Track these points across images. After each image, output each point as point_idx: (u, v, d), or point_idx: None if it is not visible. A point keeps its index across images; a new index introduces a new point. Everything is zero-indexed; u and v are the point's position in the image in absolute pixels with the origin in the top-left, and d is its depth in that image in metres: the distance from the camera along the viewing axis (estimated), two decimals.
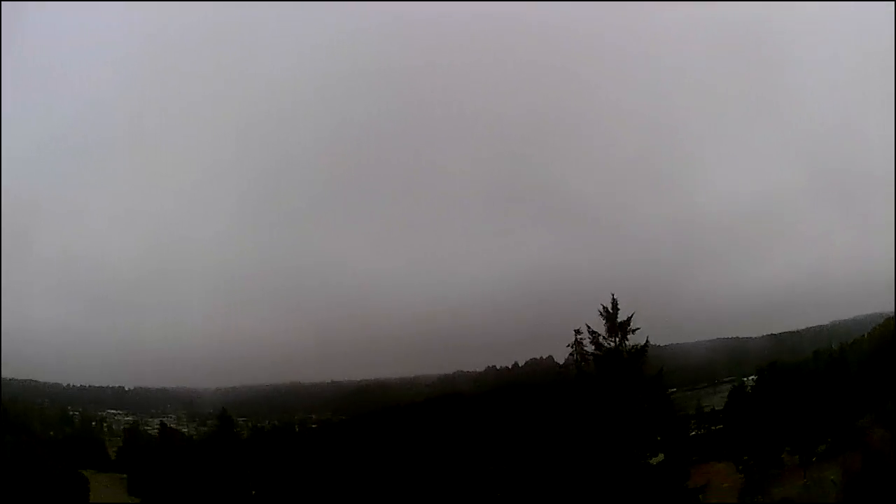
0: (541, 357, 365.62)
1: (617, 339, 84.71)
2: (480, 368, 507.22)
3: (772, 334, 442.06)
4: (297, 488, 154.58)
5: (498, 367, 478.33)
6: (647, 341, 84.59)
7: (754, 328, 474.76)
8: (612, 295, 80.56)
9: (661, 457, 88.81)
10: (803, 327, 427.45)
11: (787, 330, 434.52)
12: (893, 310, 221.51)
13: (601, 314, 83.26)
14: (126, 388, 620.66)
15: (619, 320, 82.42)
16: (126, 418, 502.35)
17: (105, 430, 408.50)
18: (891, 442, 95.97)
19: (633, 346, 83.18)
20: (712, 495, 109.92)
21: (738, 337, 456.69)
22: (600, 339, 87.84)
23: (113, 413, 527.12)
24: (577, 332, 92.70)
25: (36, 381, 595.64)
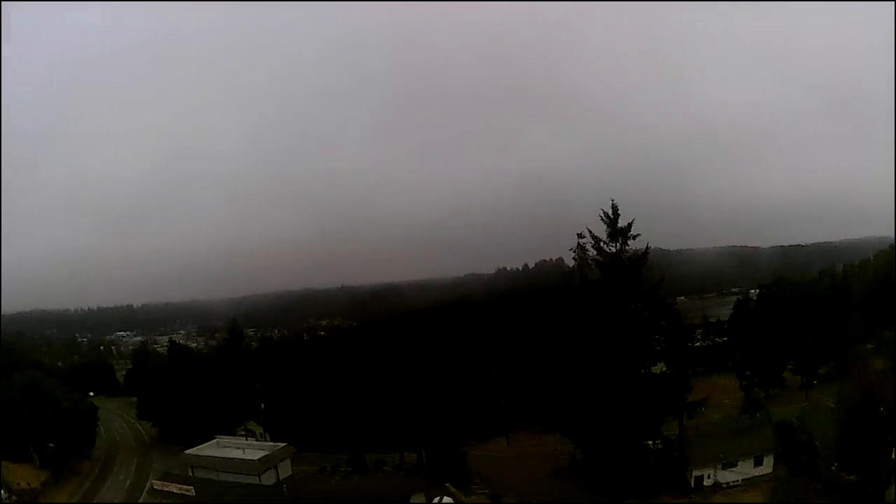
0: (551, 259, 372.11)
1: (618, 245, 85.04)
2: (491, 271, 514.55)
3: (780, 246, 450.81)
4: (305, 396, 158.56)
5: (508, 269, 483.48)
6: (648, 248, 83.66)
7: (764, 239, 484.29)
8: (612, 200, 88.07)
9: (661, 366, 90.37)
10: (811, 242, 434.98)
11: (795, 243, 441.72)
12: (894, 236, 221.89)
13: (602, 220, 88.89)
14: (134, 307, 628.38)
15: (619, 226, 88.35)
16: (135, 338, 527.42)
17: (115, 353, 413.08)
18: (890, 372, 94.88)
19: (633, 252, 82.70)
20: (713, 411, 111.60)
21: (746, 246, 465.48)
22: (601, 244, 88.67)
23: (122, 335, 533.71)
24: (580, 235, 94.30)
25: (42, 310, 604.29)
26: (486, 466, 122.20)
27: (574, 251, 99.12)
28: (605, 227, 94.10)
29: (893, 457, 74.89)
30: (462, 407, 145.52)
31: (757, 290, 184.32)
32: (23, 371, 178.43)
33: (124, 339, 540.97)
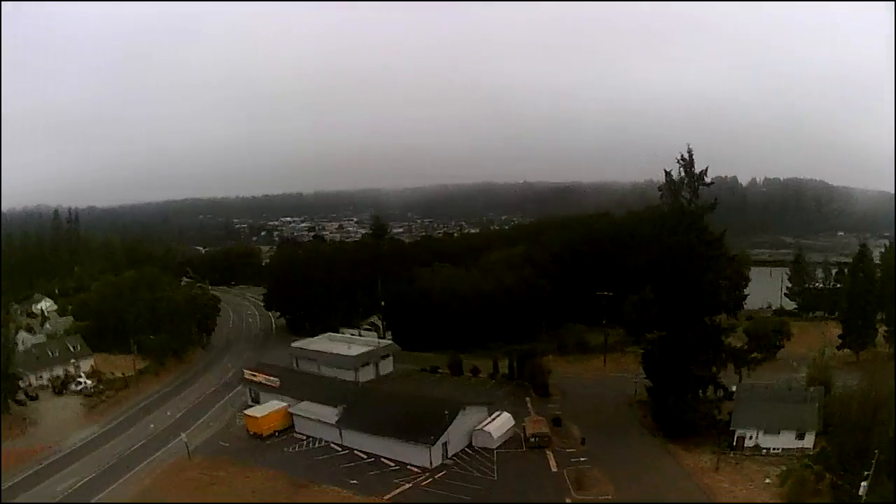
0: (725, 176, 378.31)
1: (691, 190, 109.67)
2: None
3: None
4: (426, 297, 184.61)
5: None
6: (716, 201, 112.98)
7: None
8: (688, 146, 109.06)
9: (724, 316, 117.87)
10: None
11: None
12: None
13: (678, 162, 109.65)
14: (303, 194, 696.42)
15: (693, 172, 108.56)
16: (301, 224, 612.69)
17: (277, 239, 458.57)
18: None
19: (701, 204, 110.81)
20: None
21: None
22: (674, 188, 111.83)
23: (287, 220, 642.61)
24: (668, 173, 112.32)
25: (201, 198, 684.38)
26: (572, 384, 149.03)
27: (661, 189, 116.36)
28: (681, 171, 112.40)
29: None
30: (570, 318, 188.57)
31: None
32: (138, 267, 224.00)
33: (290, 225, 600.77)
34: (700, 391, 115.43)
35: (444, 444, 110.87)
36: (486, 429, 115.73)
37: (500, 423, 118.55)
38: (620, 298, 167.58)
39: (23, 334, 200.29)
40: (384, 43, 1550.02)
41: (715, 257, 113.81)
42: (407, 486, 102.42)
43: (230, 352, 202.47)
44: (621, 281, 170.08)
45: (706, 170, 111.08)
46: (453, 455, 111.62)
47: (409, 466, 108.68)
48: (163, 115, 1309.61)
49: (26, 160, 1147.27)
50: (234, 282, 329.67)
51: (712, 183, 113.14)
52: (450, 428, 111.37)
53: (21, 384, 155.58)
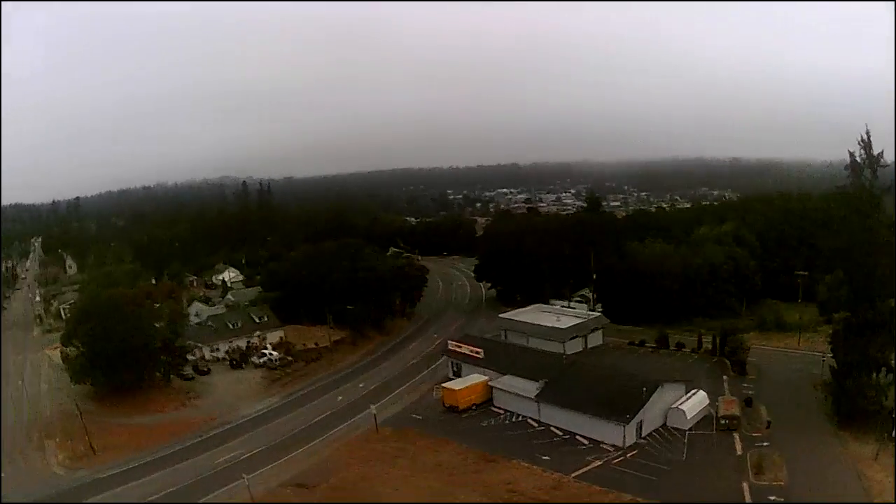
0: None
1: (871, 172, 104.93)
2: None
3: None
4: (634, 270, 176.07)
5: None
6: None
7: None
8: (866, 125, 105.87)
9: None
10: None
11: None
12: None
13: (859, 143, 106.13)
14: (520, 165, 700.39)
15: (872, 153, 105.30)
16: (518, 196, 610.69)
17: (491, 210, 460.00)
18: None
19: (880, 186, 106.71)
20: None
21: None
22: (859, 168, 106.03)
23: (504, 192, 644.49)
24: (851, 154, 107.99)
25: (409, 169, 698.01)
26: (768, 361, 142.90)
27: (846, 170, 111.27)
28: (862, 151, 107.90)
29: None
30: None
31: None
32: (339, 237, 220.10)
33: (507, 197, 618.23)
34: (874, 374, 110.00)
35: (640, 423, 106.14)
36: (681, 407, 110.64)
37: (695, 403, 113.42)
38: (816, 278, 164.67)
39: (198, 305, 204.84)
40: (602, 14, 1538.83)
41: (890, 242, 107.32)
42: (598, 463, 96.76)
43: (436, 323, 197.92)
44: (817, 260, 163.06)
45: (882, 152, 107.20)
46: (647, 434, 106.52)
47: (602, 444, 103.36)
48: (372, 87, 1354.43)
49: (216, 134, 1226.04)
50: (446, 252, 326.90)
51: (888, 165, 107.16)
52: (646, 406, 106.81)
53: (190, 357, 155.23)
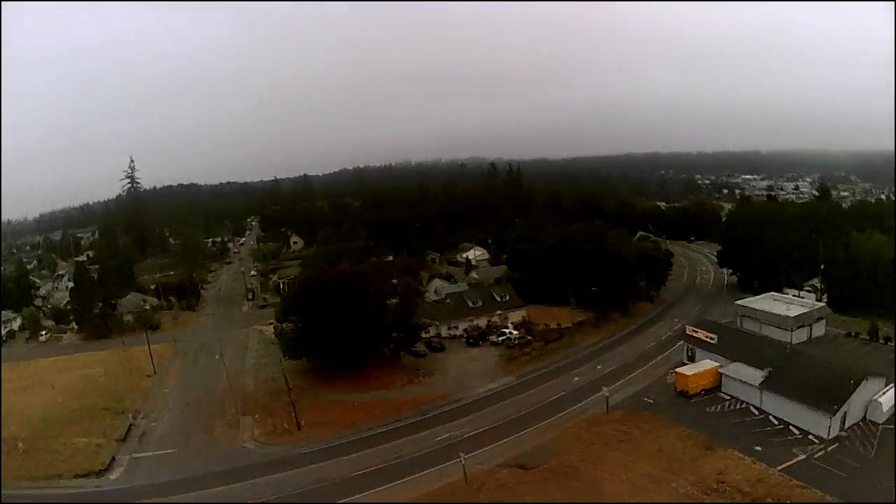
0: None
1: None
2: None
3: None
4: None
5: None
6: None
7: None
8: None
9: None
10: None
11: None
12: None
13: None
14: (762, 152, 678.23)
15: None
16: (761, 183, 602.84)
17: (738, 196, 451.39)
18: None
19: None
20: None
21: None
22: None
23: (748, 178, 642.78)
24: None
25: (660, 153, 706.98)
26: None
27: None
28: None
29: None
30: None
31: None
32: (588, 219, 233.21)
33: (751, 183, 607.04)
34: None
35: (844, 415, 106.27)
36: (879, 400, 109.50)
37: (889, 396, 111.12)
38: None
39: (438, 283, 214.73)
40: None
41: None
42: (802, 456, 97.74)
43: (677, 307, 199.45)
44: None
45: None
46: (848, 427, 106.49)
47: (809, 436, 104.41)
48: (627, 71, 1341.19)
49: (464, 116, 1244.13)
50: (693, 238, 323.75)
51: None
52: (851, 398, 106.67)
53: (424, 335, 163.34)
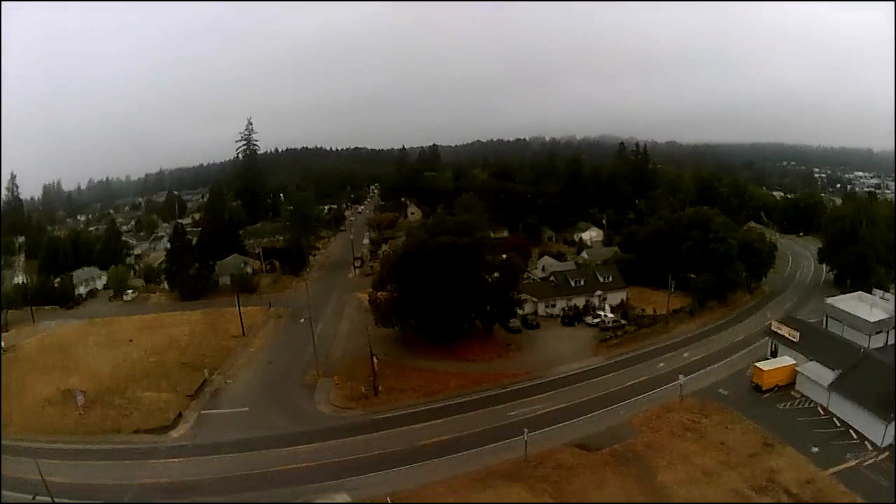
0: None
1: None
2: None
3: None
4: None
5: None
6: None
7: None
8: None
9: None
10: None
11: None
12: None
13: None
14: (874, 151, 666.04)
15: None
16: (870, 181, 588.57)
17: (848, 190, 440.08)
18: None
19: None
20: None
21: None
22: None
23: (859, 175, 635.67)
24: None
25: (782, 143, 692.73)
26: None
27: None
28: None
29: None
30: None
31: None
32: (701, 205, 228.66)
33: (861, 180, 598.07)
34: None
35: None
36: None
37: None
38: None
39: (547, 260, 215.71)
40: None
41: None
42: (853, 462, 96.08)
43: (774, 300, 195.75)
44: None
45: None
46: None
47: (866, 441, 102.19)
48: (760, 60, 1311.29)
49: (600, 93, 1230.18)
50: (802, 232, 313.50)
51: None
52: None
53: (520, 312, 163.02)
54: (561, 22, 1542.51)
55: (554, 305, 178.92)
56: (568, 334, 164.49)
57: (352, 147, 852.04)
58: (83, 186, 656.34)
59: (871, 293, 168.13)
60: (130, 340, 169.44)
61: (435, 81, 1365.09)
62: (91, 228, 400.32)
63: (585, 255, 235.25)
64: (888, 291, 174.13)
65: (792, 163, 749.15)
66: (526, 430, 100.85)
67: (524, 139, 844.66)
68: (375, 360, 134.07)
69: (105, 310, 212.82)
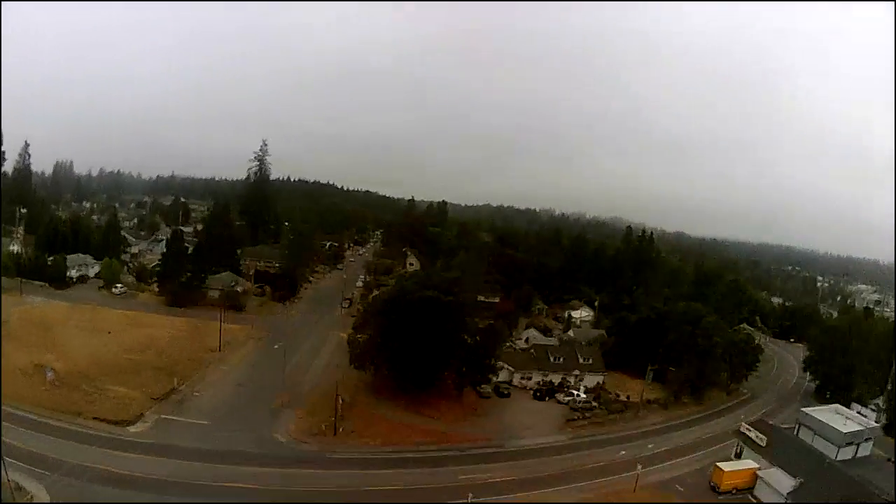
0: None
1: None
2: None
3: None
4: None
5: None
6: None
7: None
8: None
9: None
10: None
11: None
12: None
13: None
14: (880, 262, 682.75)
15: None
16: (871, 295, 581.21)
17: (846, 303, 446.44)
18: None
19: None
20: None
21: None
22: None
23: (861, 288, 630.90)
24: None
25: (792, 247, 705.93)
26: None
27: None
28: None
29: None
30: None
31: None
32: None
33: (861, 295, 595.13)
34: None
35: None
36: None
37: None
38: None
39: (531, 332, 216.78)
40: None
41: None
42: None
43: (749, 405, 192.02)
44: None
45: None
46: None
47: None
48: (764, 159, 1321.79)
49: (614, 176, 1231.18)
50: (794, 339, 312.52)
51: None
52: None
53: (494, 379, 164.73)
54: (585, 96, 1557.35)
55: (529, 378, 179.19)
56: (537, 408, 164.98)
57: (363, 189, 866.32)
58: (94, 173, 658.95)
59: (849, 407, 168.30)
60: (109, 332, 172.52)
61: (452, 134, 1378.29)
62: (94, 217, 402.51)
63: (571, 333, 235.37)
64: (866, 407, 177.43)
65: (797, 268, 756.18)
66: (471, 495, 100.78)
67: (534, 209, 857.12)
68: (341, 401, 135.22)
69: (93, 297, 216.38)
